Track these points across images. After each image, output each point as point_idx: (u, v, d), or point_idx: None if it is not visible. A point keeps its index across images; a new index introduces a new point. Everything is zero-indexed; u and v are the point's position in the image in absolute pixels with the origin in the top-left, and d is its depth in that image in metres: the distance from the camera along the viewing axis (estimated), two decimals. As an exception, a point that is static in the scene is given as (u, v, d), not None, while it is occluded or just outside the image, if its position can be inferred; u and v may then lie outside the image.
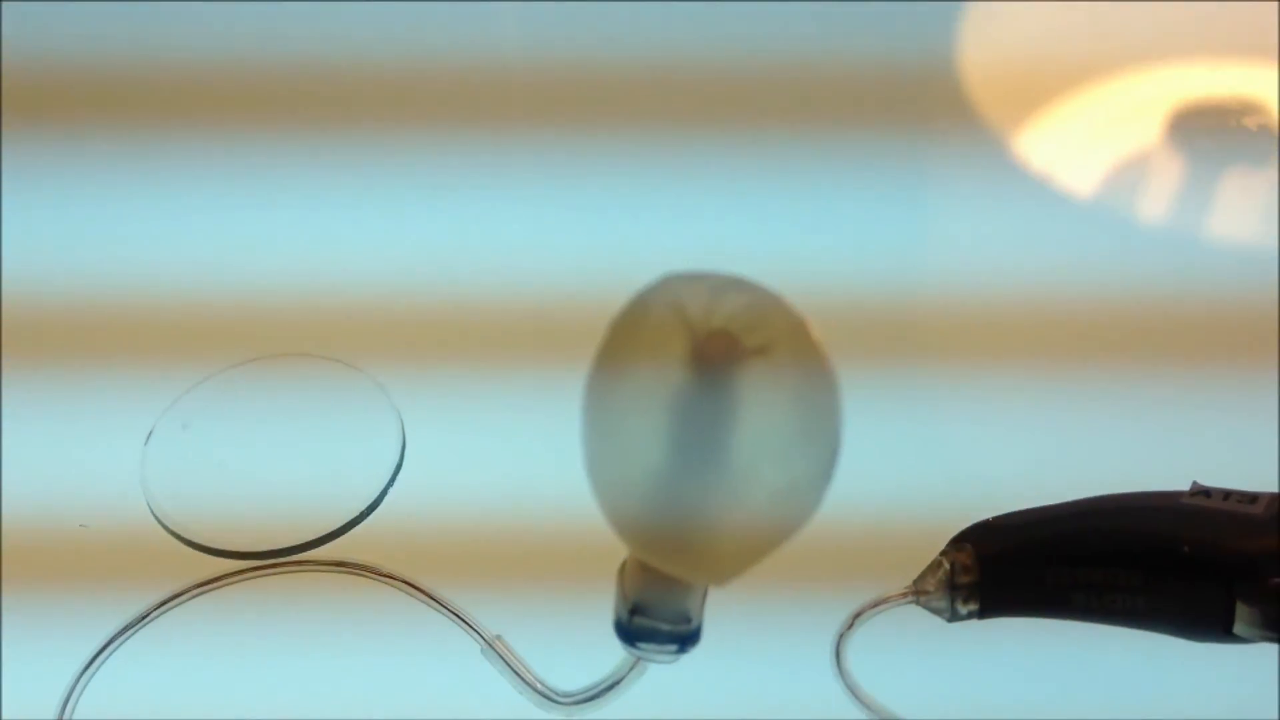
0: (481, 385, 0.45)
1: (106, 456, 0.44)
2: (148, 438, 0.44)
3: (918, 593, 0.37)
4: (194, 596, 0.39)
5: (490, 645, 0.38)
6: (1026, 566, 0.37)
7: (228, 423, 0.44)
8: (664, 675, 0.35)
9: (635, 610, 0.33)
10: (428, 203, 0.52)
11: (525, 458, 0.43)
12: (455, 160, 0.53)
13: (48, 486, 0.43)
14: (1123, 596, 0.36)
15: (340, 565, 0.40)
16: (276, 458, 0.43)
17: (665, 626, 0.33)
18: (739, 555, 0.29)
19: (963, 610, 0.37)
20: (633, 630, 0.33)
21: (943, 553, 0.37)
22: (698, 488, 0.28)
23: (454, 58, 0.57)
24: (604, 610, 0.34)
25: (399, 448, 0.43)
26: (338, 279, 0.49)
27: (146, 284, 0.49)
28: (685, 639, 0.33)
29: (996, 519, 0.38)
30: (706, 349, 0.28)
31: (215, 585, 0.40)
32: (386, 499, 0.42)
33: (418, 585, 0.39)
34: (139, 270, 0.49)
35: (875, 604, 0.37)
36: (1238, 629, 0.35)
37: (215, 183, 0.53)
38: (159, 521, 0.42)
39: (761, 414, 0.28)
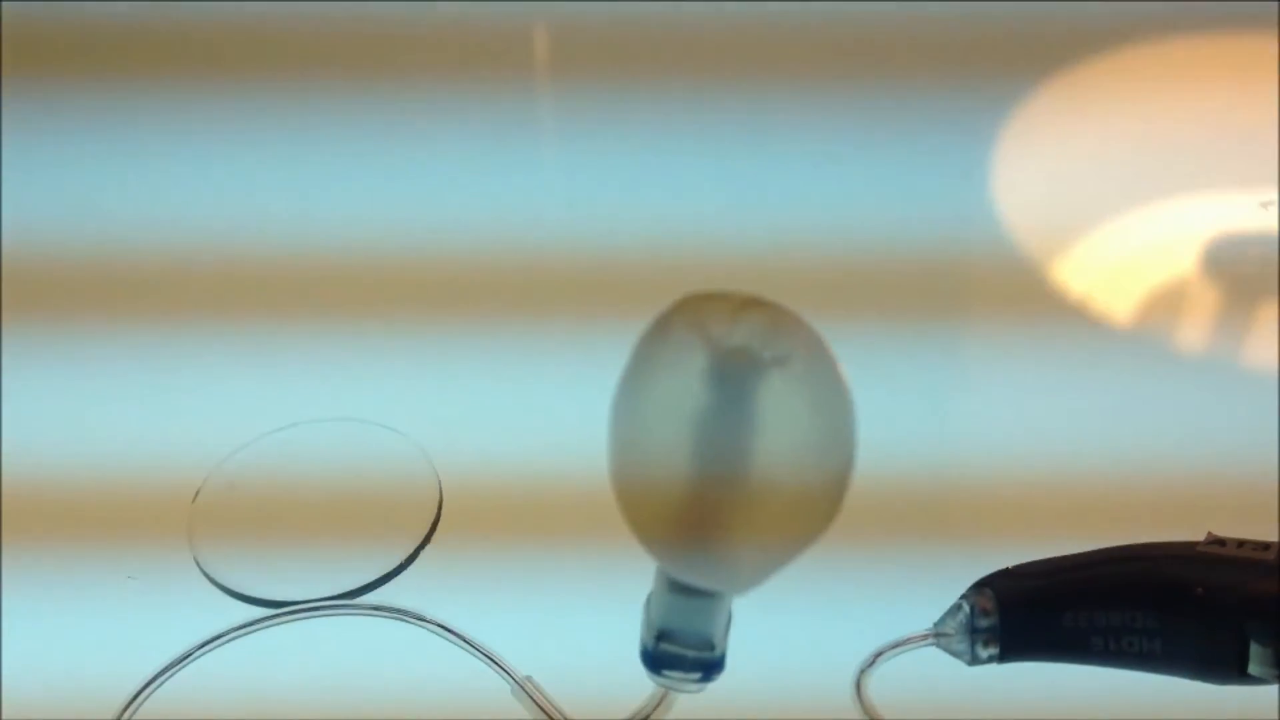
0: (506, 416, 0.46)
1: (155, 514, 0.45)
2: (195, 496, 0.45)
3: (938, 635, 0.38)
4: (234, 639, 0.41)
5: (520, 686, 0.39)
6: (1046, 610, 0.38)
7: (271, 481, 0.46)
8: (689, 705, 0.36)
9: (661, 636, 0.34)
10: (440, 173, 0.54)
11: (551, 478, 0.44)
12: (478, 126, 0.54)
13: (99, 544, 0.45)
14: (1139, 639, 0.37)
15: (377, 609, 0.41)
16: (317, 515, 0.45)
17: (690, 653, 0.34)
18: (759, 560, 0.30)
19: (983, 654, 0.38)
20: (658, 657, 0.34)
21: (963, 596, 0.38)
22: (719, 494, 0.29)
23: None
24: (630, 646, 0.35)
25: (436, 505, 0.45)
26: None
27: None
28: (709, 667, 0.34)
29: (1016, 567, 0.39)
30: (728, 365, 0.29)
31: (255, 628, 0.41)
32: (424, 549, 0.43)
33: (450, 628, 0.40)
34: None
35: (896, 645, 0.38)
36: (1252, 669, 0.36)
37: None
38: (204, 573, 0.43)
39: (779, 421, 0.29)
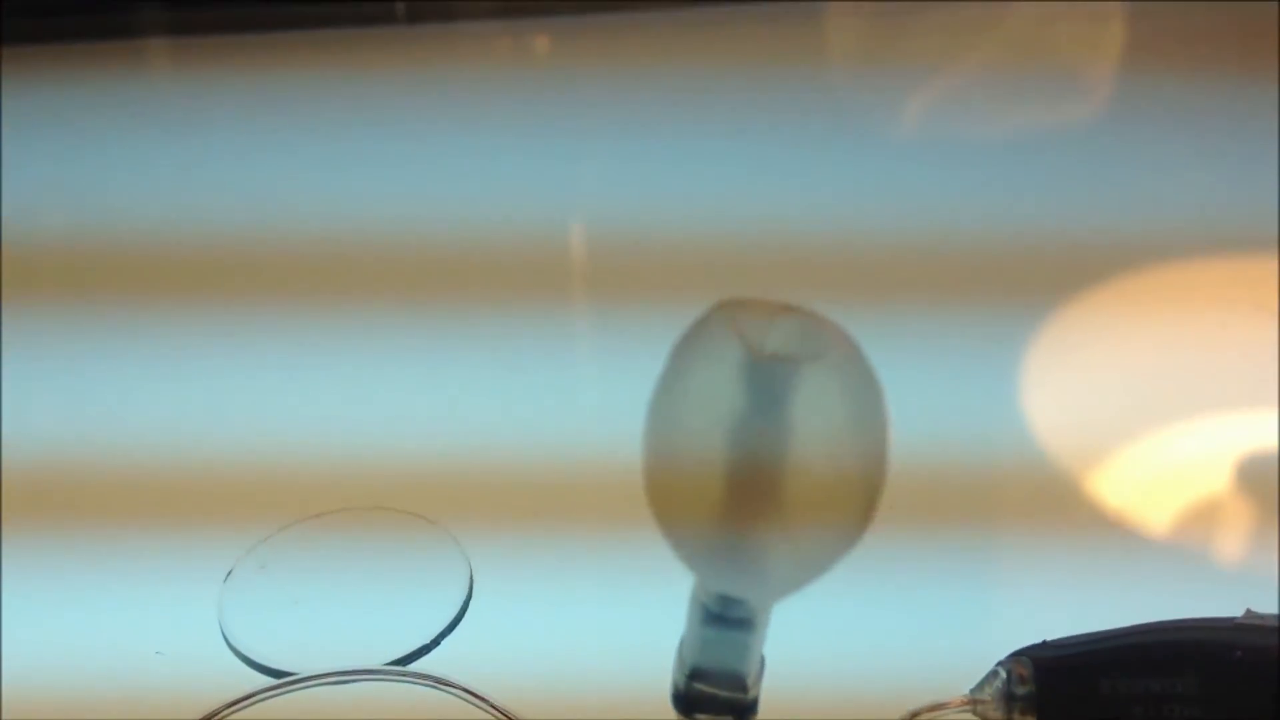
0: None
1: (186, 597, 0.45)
2: (227, 577, 0.46)
3: (974, 702, 0.37)
4: (262, 700, 0.40)
5: (549, 751, 0.38)
6: (1084, 678, 0.37)
7: (303, 565, 0.46)
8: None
9: (693, 675, 0.33)
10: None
11: (579, 508, 0.43)
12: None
13: (129, 621, 0.45)
14: (1180, 707, 0.36)
15: (403, 675, 0.41)
16: (346, 597, 0.45)
17: (723, 694, 0.33)
18: (792, 562, 0.30)
19: (1020, 724, 0.37)
20: (690, 698, 0.34)
21: (1000, 663, 0.38)
22: (753, 492, 0.29)
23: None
24: (661, 703, 0.34)
25: (465, 591, 0.45)
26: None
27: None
28: (742, 711, 0.34)
29: (1055, 640, 0.38)
30: (763, 367, 0.30)
31: (285, 690, 0.41)
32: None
33: (476, 693, 0.40)
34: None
35: (932, 708, 0.37)
36: (1296, 733, 0.35)
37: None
38: (232, 649, 0.43)
39: (814, 422, 0.29)
